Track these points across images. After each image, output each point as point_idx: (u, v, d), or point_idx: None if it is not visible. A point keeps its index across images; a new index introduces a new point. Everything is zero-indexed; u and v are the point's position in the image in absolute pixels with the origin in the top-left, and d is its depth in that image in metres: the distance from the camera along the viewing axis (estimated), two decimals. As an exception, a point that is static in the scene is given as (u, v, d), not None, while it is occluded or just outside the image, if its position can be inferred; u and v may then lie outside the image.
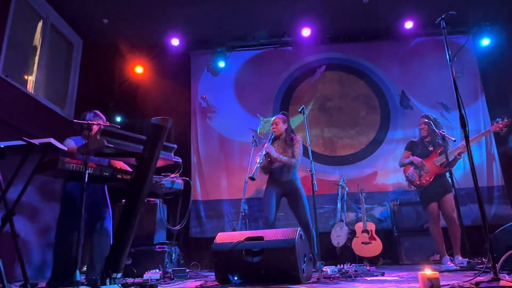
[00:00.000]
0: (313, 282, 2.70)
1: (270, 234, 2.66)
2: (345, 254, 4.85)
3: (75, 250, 2.35)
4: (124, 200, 4.24)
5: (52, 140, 2.23)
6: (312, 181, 3.66)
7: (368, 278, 2.90)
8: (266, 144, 3.86)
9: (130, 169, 2.84)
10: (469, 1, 5.44)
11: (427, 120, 3.98)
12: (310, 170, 3.74)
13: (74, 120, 2.71)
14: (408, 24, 5.91)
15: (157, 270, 3.52)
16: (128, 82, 6.41)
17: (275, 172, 3.88)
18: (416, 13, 5.72)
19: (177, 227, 3.59)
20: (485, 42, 6.00)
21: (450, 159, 3.71)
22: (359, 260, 4.73)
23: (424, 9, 5.56)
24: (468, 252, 3.87)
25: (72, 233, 2.79)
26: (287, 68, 6.48)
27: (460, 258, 3.60)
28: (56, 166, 2.29)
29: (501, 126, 3.69)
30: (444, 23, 2.55)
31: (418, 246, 4.80)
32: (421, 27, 5.97)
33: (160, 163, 2.66)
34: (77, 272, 2.20)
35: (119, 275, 2.19)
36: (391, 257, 5.05)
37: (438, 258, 4.08)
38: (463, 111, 2.23)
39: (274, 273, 2.56)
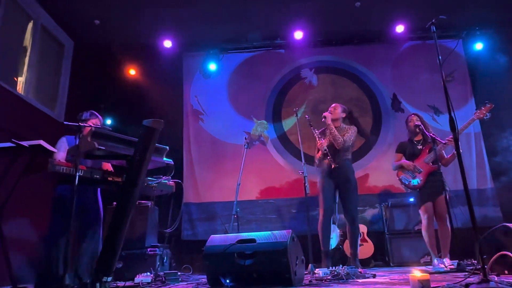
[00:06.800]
0: (306, 285, 2.70)
1: (262, 237, 2.65)
2: (337, 256, 4.86)
3: (65, 253, 2.32)
4: (115, 203, 4.20)
5: (42, 142, 2.21)
6: (304, 183, 3.66)
7: (360, 280, 2.90)
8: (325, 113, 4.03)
9: (113, 170, 2.82)
10: (460, 6, 5.51)
11: (418, 117, 4.02)
12: (303, 173, 3.75)
13: (65, 122, 2.68)
14: (399, 28, 5.97)
15: (149, 273, 3.49)
16: (119, 84, 6.36)
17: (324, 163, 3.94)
18: (407, 17, 5.79)
19: (169, 230, 3.57)
20: (478, 46, 6.09)
21: (444, 155, 3.76)
22: (351, 262, 4.74)
23: (414, 13, 5.63)
24: (459, 253, 3.90)
25: (63, 236, 2.76)
26: (279, 71, 6.50)
27: (448, 260, 3.62)
28: (46, 169, 2.27)
29: (484, 112, 3.72)
30: (434, 27, 2.58)
31: (409, 248, 4.84)
32: (412, 31, 6.04)
33: (151, 165, 2.64)
34: (67, 275, 2.17)
35: (109, 278, 2.17)
36: (383, 259, 5.08)
37: (429, 260, 4.11)
38: (452, 114, 2.26)
39: (266, 275, 2.55)
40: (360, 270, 3.30)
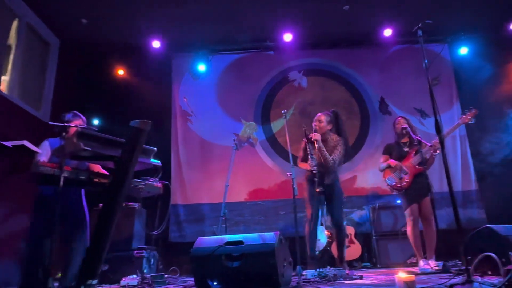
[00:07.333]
0: (293, 287, 2.70)
1: (250, 239, 2.65)
2: (325, 258, 4.88)
3: (48, 256, 2.27)
4: (101, 204, 4.14)
5: (26, 143, 2.17)
6: (292, 185, 3.66)
7: (347, 282, 2.92)
8: (314, 133, 3.82)
9: (107, 173, 2.78)
10: (446, 11, 5.61)
11: (406, 120, 4.07)
12: (291, 175, 3.74)
13: (50, 122, 2.64)
14: (387, 32, 6.04)
15: (135, 276, 3.45)
16: (107, 84, 6.29)
17: (313, 176, 3.77)
18: (394, 21, 5.86)
19: (156, 232, 3.53)
20: (463, 51, 6.21)
21: (427, 157, 3.80)
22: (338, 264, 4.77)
23: (402, 17, 5.70)
24: (444, 254, 3.96)
25: (45, 239, 2.70)
26: (268, 73, 6.51)
27: (434, 261, 3.67)
28: (29, 169, 2.22)
29: (469, 117, 3.79)
30: (421, 32, 2.62)
31: (396, 249, 4.89)
32: (400, 35, 6.11)
33: (139, 166, 2.61)
34: (50, 279, 2.12)
35: (94, 281, 2.13)
36: (370, 260, 5.12)
37: (415, 261, 4.15)
38: (438, 118, 2.29)
39: (253, 277, 2.54)
40: (347, 271, 3.32)
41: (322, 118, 3.94)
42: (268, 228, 5.59)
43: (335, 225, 3.86)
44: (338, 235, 3.84)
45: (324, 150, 3.80)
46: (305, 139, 3.93)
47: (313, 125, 3.97)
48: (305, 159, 3.93)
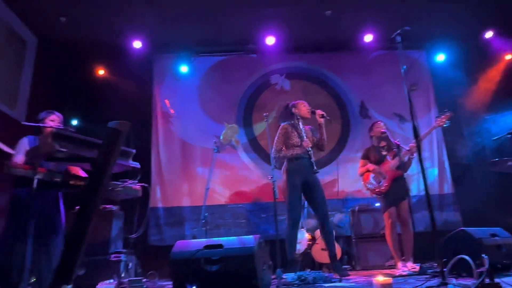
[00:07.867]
0: (272, 290, 2.70)
1: (229, 242, 2.64)
2: (305, 261, 4.90)
3: (21, 261, 2.20)
4: (78, 207, 4.04)
5: (-2, 143, 2.09)
6: (273, 188, 3.66)
7: (326, 285, 2.94)
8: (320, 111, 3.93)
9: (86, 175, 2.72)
10: (424, 18, 5.74)
11: (384, 124, 4.16)
12: (272, 177, 3.75)
13: (23, 122, 2.56)
14: (368, 37, 6.14)
15: (112, 281, 3.38)
16: (86, 84, 6.15)
17: (304, 161, 3.76)
18: (375, 27, 5.96)
19: (134, 235, 3.47)
20: (440, 57, 6.38)
21: (405, 160, 3.87)
22: (319, 266, 4.80)
23: (382, 23, 5.80)
24: (421, 256, 4.04)
25: (19, 243, 2.61)
26: (251, 75, 6.51)
27: (411, 263, 3.73)
28: (1, 171, 2.15)
29: (444, 120, 3.87)
30: (399, 38, 2.68)
31: (375, 252, 4.94)
32: (380, 40, 6.21)
33: (118, 168, 2.56)
34: (23, 284, 2.05)
35: (69, 286, 2.07)
36: (349, 263, 5.17)
37: (393, 263, 4.22)
38: (415, 123, 2.34)
39: (233, 281, 2.53)
40: (326, 274, 3.33)
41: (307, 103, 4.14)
42: (249, 231, 5.58)
43: (323, 217, 3.72)
44: (327, 228, 3.70)
45: (324, 133, 3.94)
46: (291, 122, 3.96)
47: (304, 108, 4.07)
48: (288, 146, 3.88)
